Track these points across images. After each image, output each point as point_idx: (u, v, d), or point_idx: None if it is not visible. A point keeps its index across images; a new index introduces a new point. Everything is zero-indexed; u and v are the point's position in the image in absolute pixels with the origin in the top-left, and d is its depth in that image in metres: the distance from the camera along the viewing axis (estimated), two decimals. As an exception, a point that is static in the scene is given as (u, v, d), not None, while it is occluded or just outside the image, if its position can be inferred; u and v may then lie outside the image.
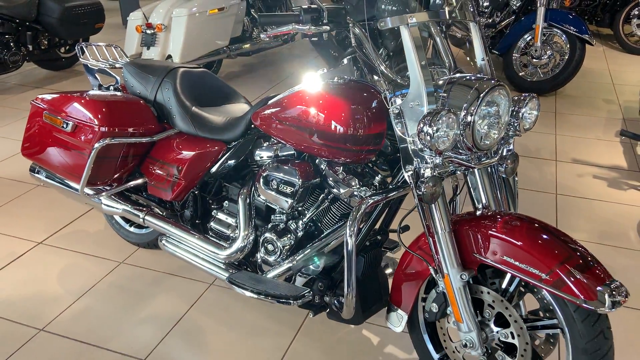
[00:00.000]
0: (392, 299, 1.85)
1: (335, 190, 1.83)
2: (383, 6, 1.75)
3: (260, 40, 5.47)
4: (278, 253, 1.98)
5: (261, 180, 1.96)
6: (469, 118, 1.52)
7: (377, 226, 1.96)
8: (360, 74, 1.88)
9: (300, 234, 1.98)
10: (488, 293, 1.64)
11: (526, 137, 4.04)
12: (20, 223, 2.95)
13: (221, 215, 2.22)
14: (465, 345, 1.67)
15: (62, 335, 2.18)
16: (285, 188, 1.89)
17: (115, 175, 2.33)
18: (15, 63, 4.99)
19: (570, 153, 3.82)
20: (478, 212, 1.72)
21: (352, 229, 1.64)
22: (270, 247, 1.99)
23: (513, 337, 1.61)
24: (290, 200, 1.88)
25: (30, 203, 3.16)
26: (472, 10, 1.74)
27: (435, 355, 1.85)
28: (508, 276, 1.65)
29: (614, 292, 1.39)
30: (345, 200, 1.86)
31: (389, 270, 2.04)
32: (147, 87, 2.34)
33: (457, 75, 1.64)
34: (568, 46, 4.72)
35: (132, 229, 2.72)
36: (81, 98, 2.27)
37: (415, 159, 1.57)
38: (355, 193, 1.79)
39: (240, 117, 2.14)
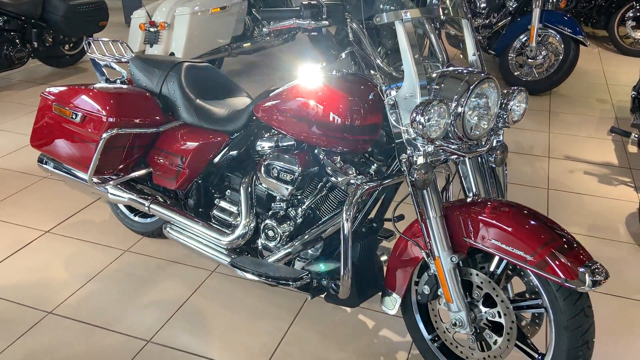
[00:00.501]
0: (387, 283, 1.94)
1: (333, 178, 1.92)
2: (381, 5, 1.84)
3: (261, 39, 5.57)
4: (278, 239, 2.07)
5: (262, 169, 2.05)
6: (460, 109, 1.61)
7: (372, 215, 2.06)
8: (358, 67, 1.98)
9: (299, 220, 2.07)
10: (477, 275, 1.74)
11: (520, 135, 4.14)
12: (27, 213, 3.04)
13: (223, 204, 2.31)
14: (455, 325, 1.76)
15: (70, 318, 2.27)
16: (285, 176, 1.98)
17: (122, 165, 2.43)
18: (21, 59, 5.08)
19: (563, 150, 3.91)
20: (468, 200, 1.82)
21: (348, 213, 1.74)
22: (270, 233, 2.09)
23: (500, 317, 1.71)
24: (290, 188, 1.97)
25: (37, 194, 3.25)
26: (464, 8, 1.84)
27: (427, 336, 1.95)
28: (496, 260, 1.75)
29: (594, 272, 1.49)
30: (343, 188, 1.95)
31: (384, 258, 2.13)
32: (153, 80, 2.43)
33: (450, 68, 1.74)
34: (562, 47, 4.82)
35: (136, 218, 2.81)
36: (89, 90, 2.36)
37: (408, 148, 1.67)
38: (352, 181, 1.88)
39: (242, 109, 2.24)
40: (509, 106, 1.74)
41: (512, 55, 5.05)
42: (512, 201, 1.72)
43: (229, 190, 2.33)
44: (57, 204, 3.14)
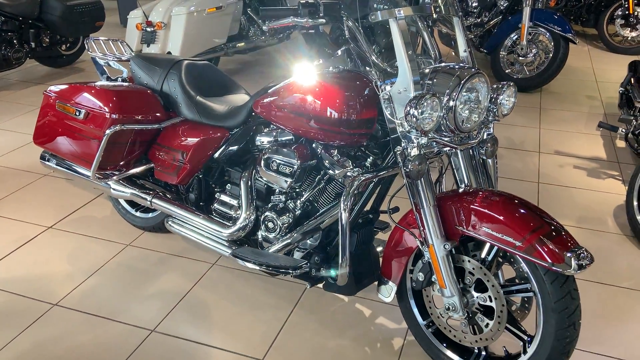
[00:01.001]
0: (383, 272, 2.02)
1: (330, 171, 1.99)
2: (375, 4, 1.92)
3: (257, 38, 5.63)
4: (278, 230, 2.14)
5: (262, 162, 2.12)
6: (451, 102, 1.69)
7: (368, 207, 2.13)
8: (353, 64, 2.05)
9: (298, 212, 2.14)
10: (469, 262, 1.82)
11: (512, 131, 4.23)
12: (29, 209, 3.10)
13: (224, 197, 2.38)
14: (449, 309, 1.84)
15: (75, 309, 2.33)
16: (284, 169, 2.05)
17: (124, 161, 2.49)
18: (19, 60, 5.13)
19: (553, 145, 4.01)
20: (460, 190, 1.89)
21: (345, 203, 1.82)
22: (270, 224, 2.16)
23: (491, 301, 1.79)
24: (289, 180, 2.04)
25: (38, 191, 3.31)
26: (455, 6, 1.92)
27: (422, 322, 2.03)
28: (487, 247, 1.83)
29: (579, 257, 1.57)
30: (340, 180, 2.03)
31: (379, 249, 2.20)
32: (154, 78, 2.50)
33: (441, 64, 1.82)
34: (552, 45, 4.92)
35: (137, 213, 2.88)
36: (92, 88, 2.43)
37: (403, 140, 1.74)
38: (348, 173, 1.95)
39: (241, 106, 2.31)
40: (498, 100, 1.82)
41: (503, 53, 5.15)
42: (502, 191, 1.80)
43: (229, 185, 2.40)
44: (59, 200, 3.20)
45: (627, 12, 6.42)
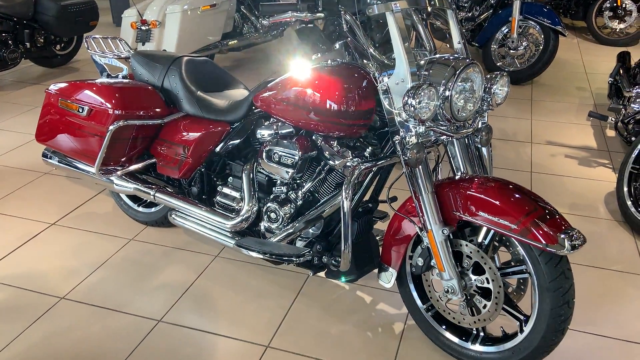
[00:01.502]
0: (383, 258, 2.08)
1: (330, 161, 2.05)
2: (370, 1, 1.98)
3: (251, 35, 5.68)
4: (280, 220, 2.20)
5: (264, 154, 2.18)
6: (447, 92, 1.76)
7: (368, 197, 2.19)
8: (351, 57, 2.11)
9: (299, 203, 2.20)
10: (467, 246, 1.88)
11: (504, 122, 4.31)
12: (32, 207, 3.14)
13: (226, 190, 2.43)
14: (448, 292, 1.91)
15: (82, 302, 2.38)
16: (286, 160, 2.11)
17: (127, 157, 2.54)
18: (14, 60, 5.15)
19: (545, 136, 4.09)
20: (457, 177, 1.96)
21: (347, 192, 1.88)
22: (273, 215, 2.22)
23: (488, 282, 1.85)
24: (291, 171, 2.10)
25: (40, 189, 3.35)
26: (449, -1, 1.98)
27: (422, 305, 2.09)
28: (483, 231, 1.89)
29: (572, 238, 1.64)
30: (340, 170, 2.09)
31: (379, 237, 2.27)
32: (155, 74, 2.55)
33: (437, 55, 1.88)
34: (542, 37, 5.00)
35: (140, 208, 2.92)
36: (94, 85, 2.47)
37: (401, 129, 1.81)
38: (348, 164, 2.01)
39: (242, 100, 2.36)
40: (492, 90, 1.88)
41: (494, 46, 5.23)
42: (497, 177, 1.87)
43: (230, 177, 2.45)
44: (61, 197, 3.24)
45: (615, 4, 6.52)
